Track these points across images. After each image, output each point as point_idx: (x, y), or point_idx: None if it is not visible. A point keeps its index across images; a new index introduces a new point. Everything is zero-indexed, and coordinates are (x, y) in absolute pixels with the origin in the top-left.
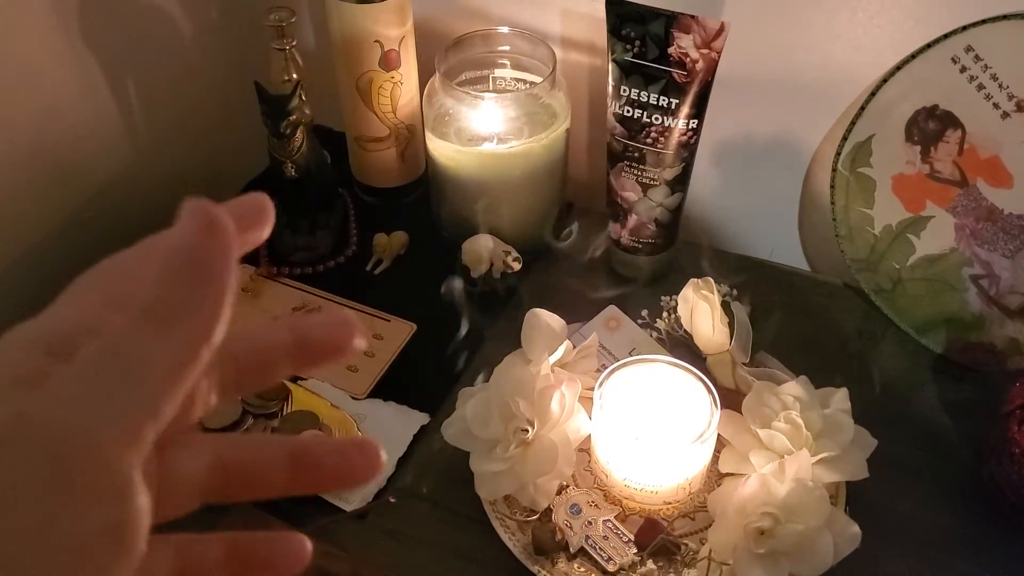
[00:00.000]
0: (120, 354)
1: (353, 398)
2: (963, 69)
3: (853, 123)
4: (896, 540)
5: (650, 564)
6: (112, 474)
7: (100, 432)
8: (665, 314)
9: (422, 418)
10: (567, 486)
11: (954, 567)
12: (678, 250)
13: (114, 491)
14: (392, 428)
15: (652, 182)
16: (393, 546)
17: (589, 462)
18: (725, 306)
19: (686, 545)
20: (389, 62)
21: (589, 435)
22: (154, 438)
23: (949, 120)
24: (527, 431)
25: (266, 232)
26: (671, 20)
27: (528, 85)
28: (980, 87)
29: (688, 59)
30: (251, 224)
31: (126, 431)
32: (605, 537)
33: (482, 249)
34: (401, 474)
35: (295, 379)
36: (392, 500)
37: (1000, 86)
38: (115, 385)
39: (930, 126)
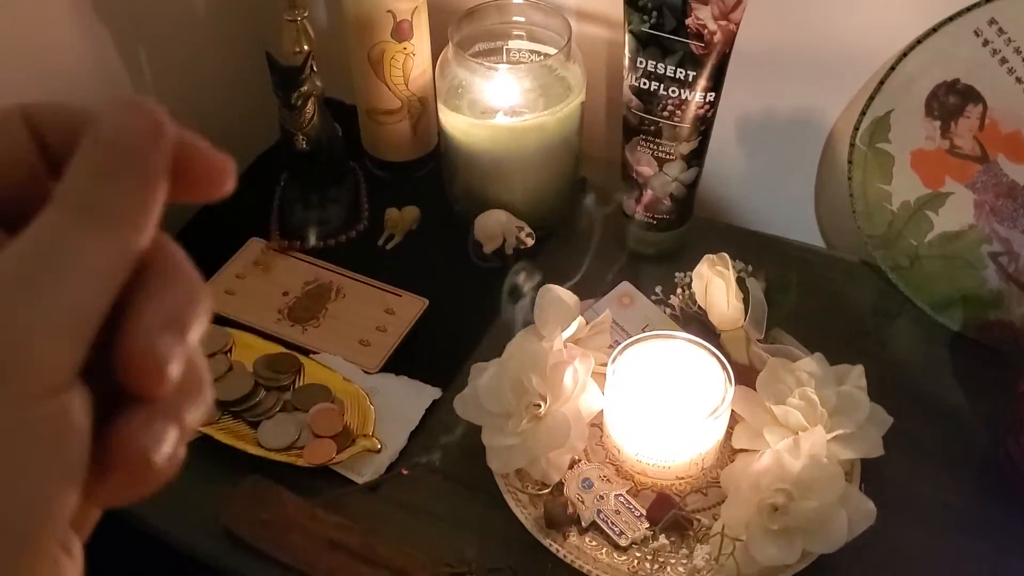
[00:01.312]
0: (50, 251)
1: (365, 372)
2: (986, 43)
3: (872, 97)
4: (910, 518)
5: (662, 539)
6: (45, 373)
7: (30, 329)
8: (679, 290)
9: (434, 392)
10: (579, 460)
11: (968, 545)
12: (692, 226)
13: (49, 390)
14: (404, 402)
15: (668, 156)
16: (405, 518)
17: (601, 437)
18: (740, 282)
19: (698, 521)
20: (401, 33)
21: (601, 410)
22: (87, 342)
23: (970, 94)
24: (539, 406)
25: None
26: None
27: (543, 57)
28: (1003, 61)
29: (706, 30)
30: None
31: (57, 330)
32: (617, 511)
33: (495, 224)
34: (413, 447)
35: (307, 353)
36: (405, 472)
37: (1023, 60)
38: (44, 282)
39: (951, 101)
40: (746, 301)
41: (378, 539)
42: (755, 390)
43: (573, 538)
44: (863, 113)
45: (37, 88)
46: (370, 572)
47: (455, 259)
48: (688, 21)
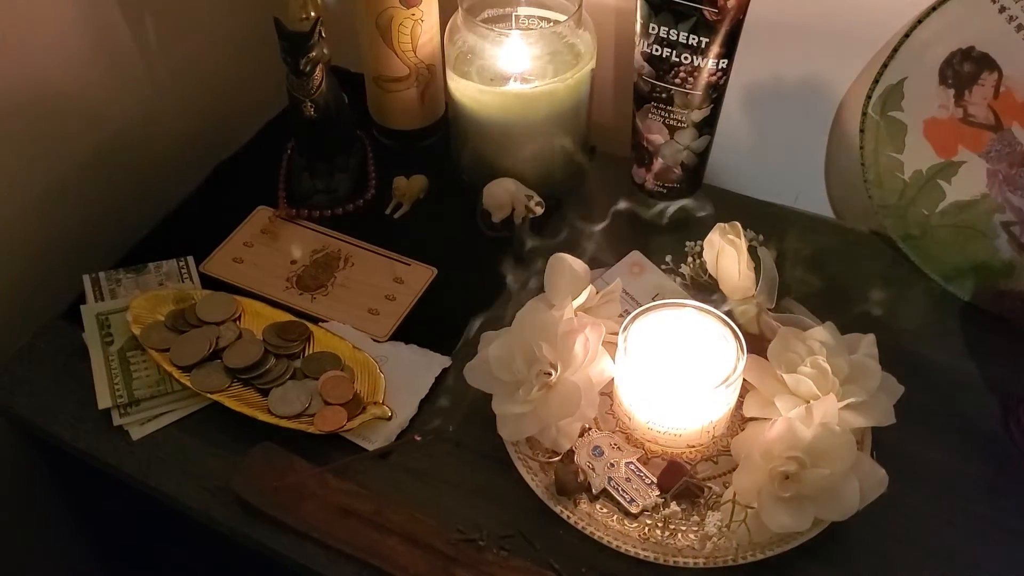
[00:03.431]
0: None
1: (375, 340)
2: (1002, 9)
3: (885, 65)
4: (921, 486)
5: (673, 506)
6: None
7: None
8: (690, 259)
9: (444, 361)
10: (589, 429)
11: (978, 513)
12: (702, 195)
13: None
14: (414, 370)
15: (679, 124)
16: (417, 485)
17: (611, 405)
18: (752, 251)
19: (709, 488)
20: None
21: (611, 379)
22: None
23: (985, 62)
24: (550, 374)
25: None
26: None
27: (552, 24)
28: (1019, 28)
29: None
30: None
31: None
32: (627, 479)
33: (504, 193)
34: (423, 415)
35: (316, 321)
36: (418, 439)
37: None
38: None
39: (965, 68)
40: (757, 270)
41: (390, 506)
42: (766, 359)
43: (584, 505)
44: (876, 81)
45: (39, 58)
46: (382, 539)
47: (464, 228)
48: None
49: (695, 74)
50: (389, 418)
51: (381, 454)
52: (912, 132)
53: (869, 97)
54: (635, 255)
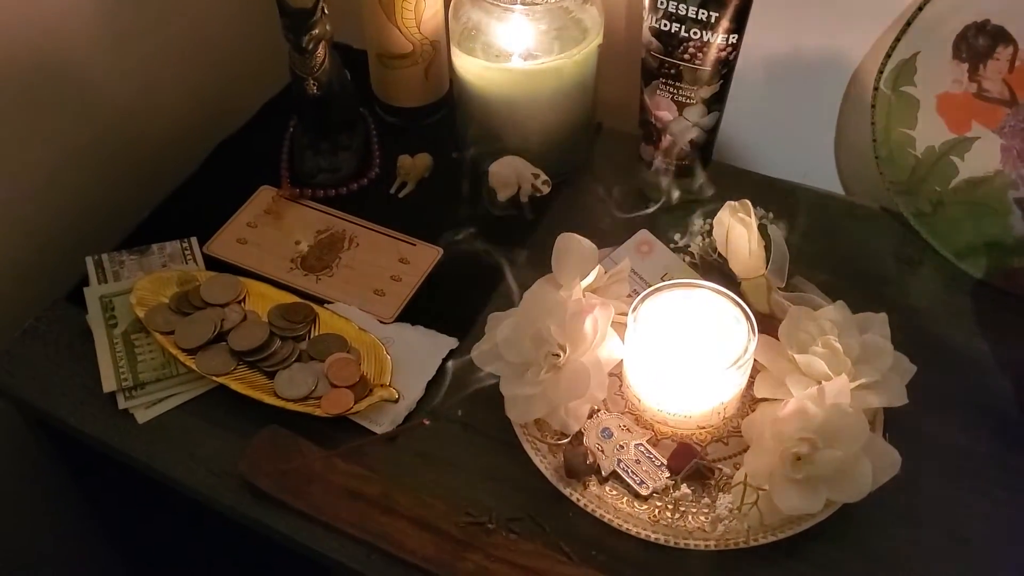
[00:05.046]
0: None
1: (381, 322)
2: None
3: (898, 39)
4: (934, 467)
5: (684, 488)
6: None
7: None
8: (699, 238)
9: (451, 342)
10: (598, 410)
11: (992, 493)
12: (711, 172)
13: None
14: (421, 352)
15: (688, 100)
16: (424, 468)
17: (620, 387)
18: (762, 229)
19: (720, 470)
20: None
21: (620, 361)
22: None
23: (1000, 36)
24: (559, 355)
25: None
26: None
27: None
28: None
29: None
30: None
31: None
32: (637, 461)
33: (510, 171)
34: (430, 397)
35: (321, 303)
36: (427, 423)
37: None
38: None
39: (980, 42)
40: (768, 248)
41: (398, 489)
42: (776, 339)
43: (593, 487)
44: (888, 55)
45: (36, 34)
46: (390, 522)
47: (469, 207)
48: None
49: (704, 50)
50: (396, 400)
51: (389, 438)
52: (925, 107)
53: (881, 72)
54: (643, 234)
